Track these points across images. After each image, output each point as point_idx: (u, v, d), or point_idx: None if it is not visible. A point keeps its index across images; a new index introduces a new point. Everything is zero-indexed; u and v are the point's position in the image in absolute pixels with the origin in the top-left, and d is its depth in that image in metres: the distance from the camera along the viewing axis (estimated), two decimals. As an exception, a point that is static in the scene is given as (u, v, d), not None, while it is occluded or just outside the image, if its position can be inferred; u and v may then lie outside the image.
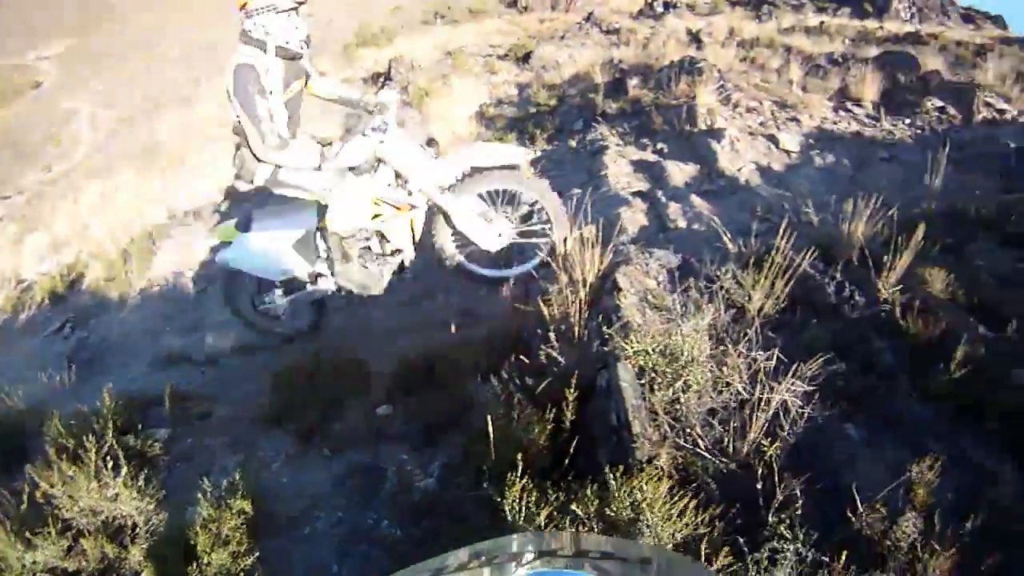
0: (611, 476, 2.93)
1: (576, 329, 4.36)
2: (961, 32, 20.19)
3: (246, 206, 6.04)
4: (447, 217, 5.01)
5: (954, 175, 6.93)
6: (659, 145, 7.51)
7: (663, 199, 6.24)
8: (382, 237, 4.98)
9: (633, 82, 10.05)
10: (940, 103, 10.28)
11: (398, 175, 4.73)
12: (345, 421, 4.55)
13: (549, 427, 3.41)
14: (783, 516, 2.91)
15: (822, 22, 18.08)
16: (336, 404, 4.67)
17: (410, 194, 4.79)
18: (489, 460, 3.38)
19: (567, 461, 3.36)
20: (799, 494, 3.05)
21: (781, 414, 3.48)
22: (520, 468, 2.97)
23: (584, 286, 4.57)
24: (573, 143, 9.06)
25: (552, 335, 4.24)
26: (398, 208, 4.84)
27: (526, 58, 17.09)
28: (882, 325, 4.61)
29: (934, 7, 31.22)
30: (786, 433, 3.46)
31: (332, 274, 5.02)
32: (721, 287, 4.66)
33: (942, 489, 3.22)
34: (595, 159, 7.79)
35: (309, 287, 5.17)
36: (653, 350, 3.80)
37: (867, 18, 22.79)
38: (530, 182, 5.26)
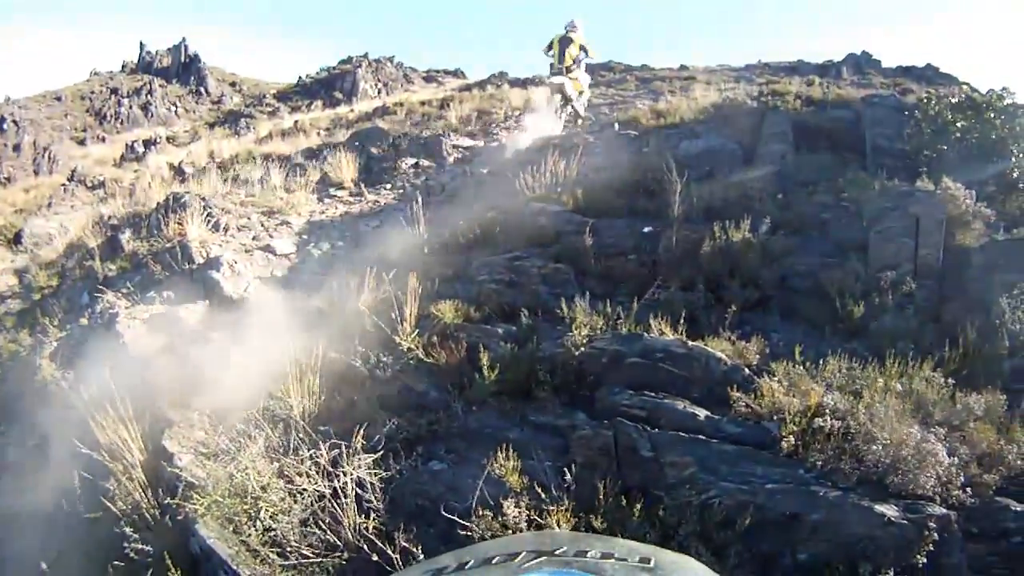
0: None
1: (148, 512, 4.20)
2: (425, 93, 23.54)
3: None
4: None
5: (438, 213, 7.97)
6: (166, 293, 7.24)
7: (184, 347, 6.06)
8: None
9: (126, 236, 9.51)
10: (413, 160, 11.80)
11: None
12: None
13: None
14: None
15: (296, 121, 19.31)
16: None
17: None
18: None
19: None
20: (410, 545, 3.30)
21: (361, 491, 3.70)
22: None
23: (137, 467, 4.40)
24: (85, 320, 8.23)
25: (129, 529, 4.04)
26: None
27: (18, 238, 15.26)
28: (416, 371, 5.11)
29: (397, 79, 35.92)
30: (377, 504, 3.70)
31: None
32: (264, 408, 4.79)
33: (536, 462, 3.75)
34: (110, 330, 7.21)
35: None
36: (223, 496, 3.79)
37: (339, 105, 25.23)
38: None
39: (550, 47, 11.54)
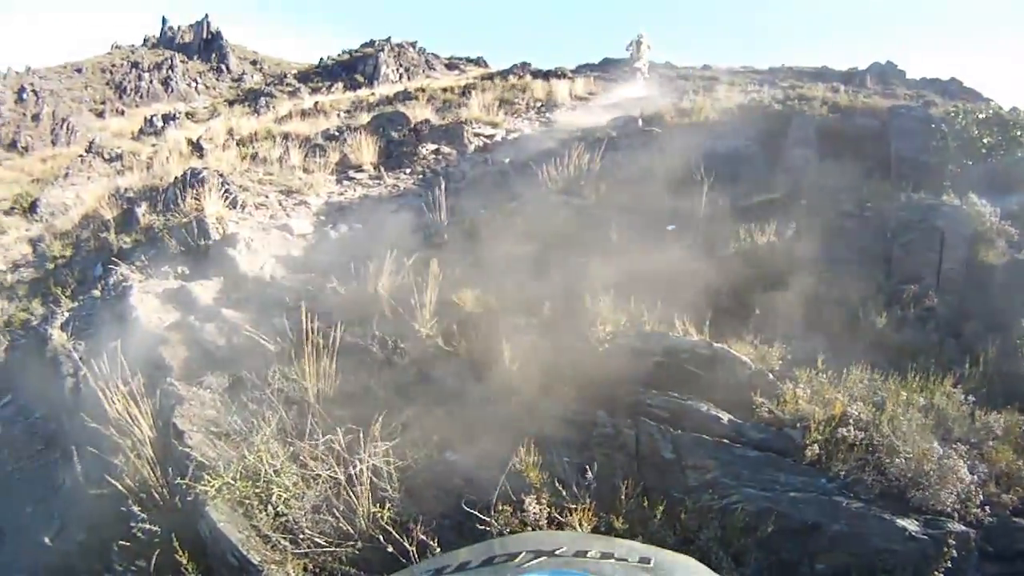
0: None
1: (156, 491, 4.13)
2: (446, 80, 23.45)
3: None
4: None
5: (459, 200, 7.93)
6: (180, 269, 7.25)
7: (197, 324, 6.03)
8: None
9: (142, 209, 9.52)
10: (434, 146, 11.73)
11: None
12: None
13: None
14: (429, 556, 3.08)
15: (316, 102, 19.25)
16: None
17: None
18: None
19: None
20: (427, 538, 3.25)
21: (376, 479, 3.68)
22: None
23: (146, 444, 4.32)
24: (98, 292, 8.27)
25: (136, 508, 4.01)
26: None
27: (33, 207, 15.36)
28: (434, 358, 5.03)
29: (419, 64, 35.80)
30: (393, 493, 3.68)
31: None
32: (278, 390, 4.67)
33: (556, 459, 3.73)
34: (122, 303, 7.21)
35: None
36: (234, 479, 3.74)
37: (359, 88, 25.13)
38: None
39: (630, 45, 18.92)
